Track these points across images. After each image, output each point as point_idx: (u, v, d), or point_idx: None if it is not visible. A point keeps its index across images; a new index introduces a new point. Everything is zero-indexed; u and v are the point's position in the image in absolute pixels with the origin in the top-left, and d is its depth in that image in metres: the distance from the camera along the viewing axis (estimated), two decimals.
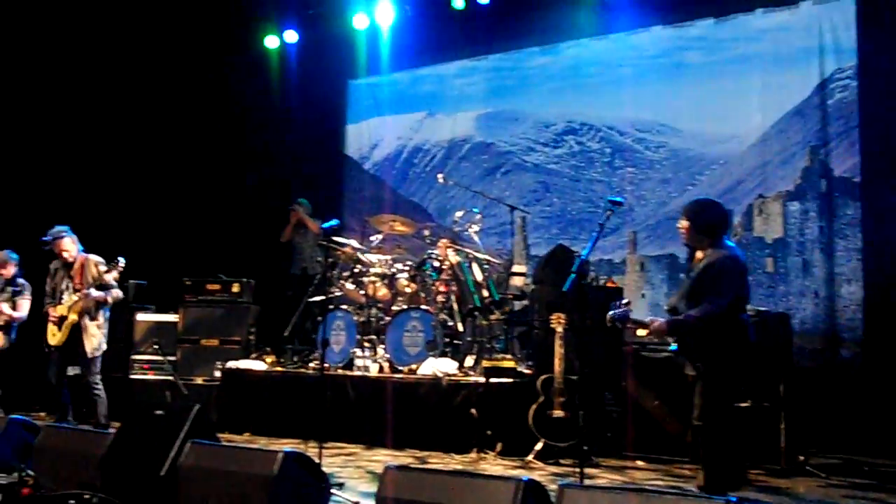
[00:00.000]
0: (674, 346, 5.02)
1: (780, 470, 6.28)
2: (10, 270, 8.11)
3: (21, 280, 8.11)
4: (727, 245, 4.94)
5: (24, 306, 8.01)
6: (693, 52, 9.31)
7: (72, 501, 4.55)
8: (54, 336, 7.31)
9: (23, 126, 10.38)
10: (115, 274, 7.30)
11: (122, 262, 7.24)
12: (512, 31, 10.25)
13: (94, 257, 7.46)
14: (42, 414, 8.45)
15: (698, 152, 9.21)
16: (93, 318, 7.33)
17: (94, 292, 7.25)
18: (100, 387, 7.35)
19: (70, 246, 7.42)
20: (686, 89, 9.29)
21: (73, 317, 7.23)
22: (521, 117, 10.54)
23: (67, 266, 7.43)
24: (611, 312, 4.95)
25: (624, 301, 5.03)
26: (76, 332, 7.26)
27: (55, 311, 7.32)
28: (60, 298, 7.38)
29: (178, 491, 4.32)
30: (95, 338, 7.32)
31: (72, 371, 7.48)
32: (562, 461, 6.59)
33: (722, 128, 9.05)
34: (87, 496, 4.52)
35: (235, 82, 11.35)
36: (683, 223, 5.01)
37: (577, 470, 5.12)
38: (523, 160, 10.38)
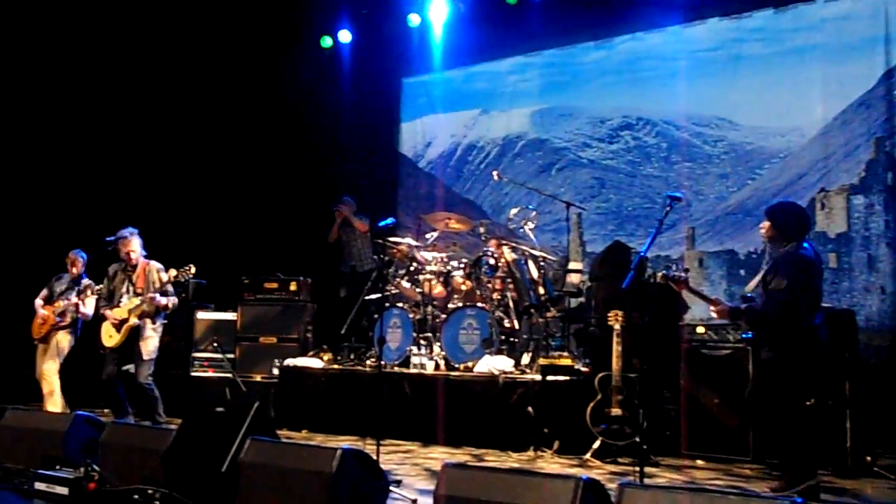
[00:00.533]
0: (747, 335, 5.33)
1: (846, 470, 6.12)
2: (79, 268, 8.29)
3: (86, 279, 8.27)
4: (804, 246, 5.16)
5: (91, 304, 8.18)
6: (751, 44, 9.13)
7: (136, 496, 4.64)
8: (111, 338, 7.37)
9: (83, 129, 10.66)
10: (173, 276, 7.37)
11: (192, 269, 7.36)
12: (565, 26, 10.17)
13: (156, 264, 7.54)
14: (106, 410, 8.63)
15: (758, 146, 9.03)
16: (151, 322, 7.41)
17: (160, 298, 7.34)
18: (153, 386, 7.41)
19: (136, 247, 7.49)
20: (744, 82, 9.11)
21: (133, 320, 7.29)
22: (575, 113, 10.46)
23: (127, 269, 7.52)
24: (665, 272, 5.38)
25: (683, 267, 5.23)
26: (133, 334, 7.34)
27: (114, 314, 7.39)
28: (119, 301, 7.45)
29: (239, 487, 4.37)
30: (152, 340, 7.39)
31: (131, 368, 7.56)
32: (620, 460, 6.52)
33: (782, 121, 8.86)
34: (150, 491, 4.61)
35: (290, 83, 11.46)
36: (765, 223, 5.28)
37: (636, 469, 5.06)
38: (578, 156, 10.30)
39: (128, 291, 7.43)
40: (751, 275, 8.71)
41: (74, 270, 8.25)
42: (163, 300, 7.38)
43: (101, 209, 10.10)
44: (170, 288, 7.48)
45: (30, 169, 10.37)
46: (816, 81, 8.61)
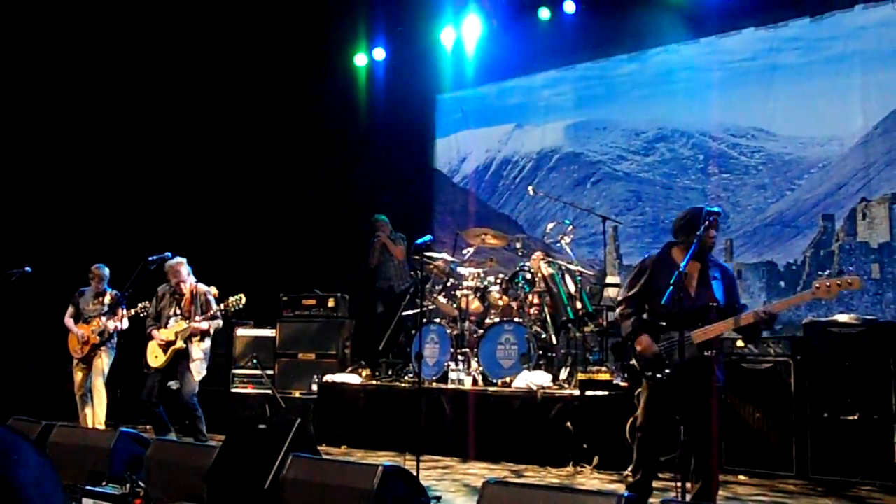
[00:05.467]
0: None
1: (894, 487, 5.99)
2: (102, 282, 8.43)
3: (111, 291, 8.39)
4: None
5: (124, 318, 8.28)
6: (788, 53, 9.06)
7: None
8: (157, 359, 7.49)
9: (122, 149, 10.86)
10: (223, 306, 7.49)
11: (243, 298, 7.47)
12: (599, 40, 10.18)
13: (203, 287, 7.66)
14: (148, 427, 8.75)
15: (796, 156, 8.94)
16: (196, 346, 7.49)
17: (202, 324, 7.45)
18: (197, 406, 7.50)
19: (185, 275, 7.61)
20: (781, 92, 9.04)
21: (180, 343, 7.41)
22: (610, 126, 10.44)
23: (176, 293, 7.64)
24: None
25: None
26: (179, 355, 7.45)
27: (161, 335, 7.50)
28: (166, 323, 7.56)
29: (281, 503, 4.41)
30: (201, 362, 7.49)
31: (173, 385, 7.64)
32: (660, 475, 6.44)
33: (821, 130, 8.77)
34: None
35: (326, 101, 11.58)
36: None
37: (678, 484, 5.00)
38: (614, 169, 10.27)
39: (175, 314, 7.53)
40: (791, 287, 8.62)
41: (98, 284, 8.40)
42: (204, 325, 7.47)
43: (140, 228, 10.28)
44: (216, 311, 7.56)
45: (69, 189, 10.58)
46: (856, 89, 8.52)
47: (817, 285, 4.48)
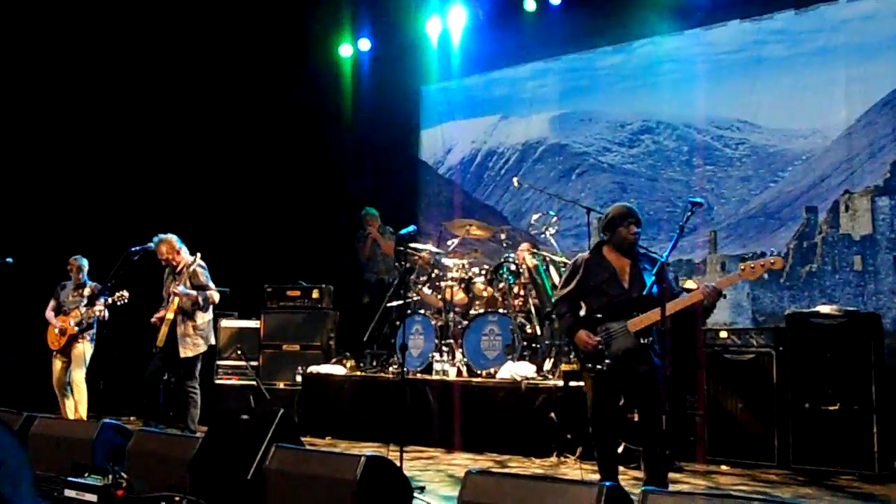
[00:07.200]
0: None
1: (873, 476, 6.06)
2: (81, 273, 8.38)
3: (91, 283, 8.34)
4: None
5: (102, 306, 8.23)
6: (773, 46, 9.08)
7: (163, 503, 4.69)
8: (159, 338, 7.41)
9: (107, 140, 10.80)
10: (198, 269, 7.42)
11: (198, 256, 7.40)
12: (584, 31, 10.17)
13: (195, 259, 7.53)
14: (131, 418, 8.72)
15: (780, 148, 8.98)
16: (189, 319, 7.38)
17: (183, 290, 7.30)
18: (196, 391, 7.38)
19: (165, 252, 7.50)
20: (766, 84, 9.06)
21: (169, 315, 7.34)
22: (595, 118, 10.45)
23: (175, 272, 7.55)
24: None
25: None
26: (174, 332, 7.36)
27: (160, 314, 7.45)
28: (168, 302, 7.50)
29: (264, 494, 4.41)
30: (191, 338, 7.35)
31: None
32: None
33: (804, 122, 8.81)
34: (177, 498, 4.65)
35: (312, 92, 11.53)
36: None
37: None
38: (599, 161, 10.29)
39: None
40: (774, 279, 8.68)
41: (77, 276, 8.35)
42: (190, 293, 7.32)
43: (124, 219, 10.22)
44: (205, 281, 7.44)
45: (51, 178, 10.52)
46: (839, 82, 8.55)
47: (742, 267, 4.74)
